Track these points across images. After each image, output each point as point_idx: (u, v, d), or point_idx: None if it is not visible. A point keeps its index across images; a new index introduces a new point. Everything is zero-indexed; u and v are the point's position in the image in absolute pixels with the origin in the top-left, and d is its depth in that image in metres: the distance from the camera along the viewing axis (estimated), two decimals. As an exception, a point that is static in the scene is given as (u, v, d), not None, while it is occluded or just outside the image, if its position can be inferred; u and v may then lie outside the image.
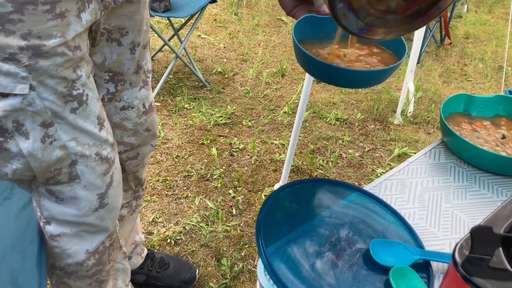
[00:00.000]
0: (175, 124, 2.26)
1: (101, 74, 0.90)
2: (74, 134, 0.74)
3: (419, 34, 2.23)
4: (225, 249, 1.59)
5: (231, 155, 2.08)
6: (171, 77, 2.69)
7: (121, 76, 0.92)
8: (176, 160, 2.01)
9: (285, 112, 2.44)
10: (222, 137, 2.19)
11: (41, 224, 0.84)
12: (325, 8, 0.71)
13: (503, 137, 0.80)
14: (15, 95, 0.65)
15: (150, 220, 1.68)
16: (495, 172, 0.79)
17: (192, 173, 1.94)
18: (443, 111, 0.79)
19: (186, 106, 2.40)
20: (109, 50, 0.87)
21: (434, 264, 0.61)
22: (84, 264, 0.88)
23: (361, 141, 2.27)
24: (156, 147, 2.08)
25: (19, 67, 0.64)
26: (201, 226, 1.67)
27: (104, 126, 0.81)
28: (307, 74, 1.60)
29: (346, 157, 2.14)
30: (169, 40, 2.57)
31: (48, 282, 1.01)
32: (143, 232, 1.61)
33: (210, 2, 2.44)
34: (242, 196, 1.84)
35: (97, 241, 0.88)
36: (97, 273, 0.93)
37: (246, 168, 2.01)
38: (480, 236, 0.44)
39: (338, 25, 0.52)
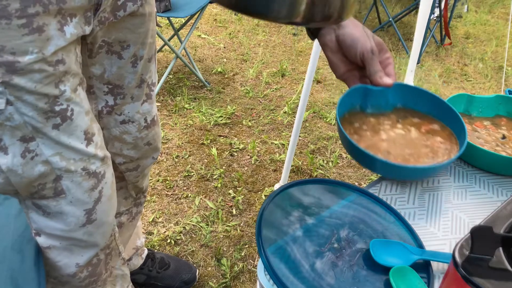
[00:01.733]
0: (175, 124, 2.26)
1: (100, 86, 0.87)
2: (58, 149, 0.71)
3: (419, 34, 2.23)
4: (225, 249, 1.59)
5: (231, 155, 2.08)
6: (171, 77, 2.69)
7: (120, 89, 0.89)
8: (176, 160, 2.01)
9: (285, 112, 2.44)
10: (222, 137, 2.19)
11: (33, 234, 0.82)
12: (380, 78, 0.67)
13: (503, 137, 0.80)
14: None
15: (150, 220, 1.68)
16: (495, 172, 0.79)
17: (192, 173, 1.94)
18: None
19: (186, 106, 2.40)
20: (109, 63, 0.84)
21: (434, 264, 0.61)
22: (76, 276, 0.86)
23: (361, 141, 2.27)
24: (156, 147, 2.08)
25: None
26: (201, 226, 1.67)
27: (93, 141, 0.76)
28: (307, 74, 1.60)
29: (346, 157, 2.13)
30: (169, 40, 2.57)
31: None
32: (143, 232, 1.61)
33: (210, 2, 2.45)
34: (242, 196, 1.84)
35: (88, 256, 0.85)
36: (92, 283, 0.91)
37: (246, 168, 2.01)
38: (480, 236, 0.44)
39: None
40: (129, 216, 1.15)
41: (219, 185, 1.88)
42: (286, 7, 0.41)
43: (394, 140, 0.69)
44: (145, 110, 0.96)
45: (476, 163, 0.80)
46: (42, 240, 0.81)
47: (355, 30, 0.65)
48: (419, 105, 0.74)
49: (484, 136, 0.81)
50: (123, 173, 1.04)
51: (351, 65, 0.69)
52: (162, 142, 2.12)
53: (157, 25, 0.95)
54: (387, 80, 0.67)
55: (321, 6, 0.42)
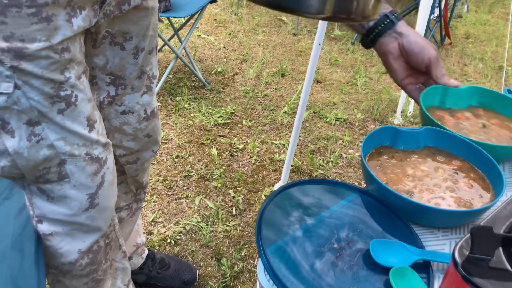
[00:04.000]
0: (175, 124, 2.26)
1: (103, 77, 0.89)
2: (63, 134, 0.73)
3: (419, 34, 2.23)
4: (225, 249, 1.59)
5: (231, 155, 2.08)
6: (171, 77, 2.69)
7: (122, 80, 0.91)
8: (176, 160, 2.01)
9: (285, 112, 2.44)
10: (222, 137, 2.19)
11: (34, 223, 0.83)
12: (449, 80, 0.76)
13: (484, 126, 0.81)
14: (0, 93, 0.65)
15: (150, 220, 1.68)
16: None
17: (192, 173, 1.94)
18: (423, 103, 0.79)
19: (186, 106, 2.40)
20: (111, 53, 0.86)
21: (434, 264, 0.61)
22: (77, 263, 0.87)
23: (361, 141, 2.27)
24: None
25: (3, 66, 0.63)
26: (201, 226, 1.67)
27: (95, 128, 0.79)
28: (307, 74, 1.60)
29: (346, 157, 2.14)
30: (169, 40, 2.57)
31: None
32: (143, 232, 1.61)
33: (210, 2, 2.45)
34: (242, 196, 1.84)
35: (90, 241, 0.87)
36: (92, 272, 0.92)
37: (246, 168, 2.01)
38: (480, 236, 0.44)
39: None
40: (129, 212, 1.16)
41: (219, 185, 1.88)
42: (317, 2, 0.43)
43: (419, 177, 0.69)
44: (145, 101, 0.98)
45: None
46: (44, 227, 0.82)
47: (420, 39, 0.73)
48: (452, 150, 0.74)
49: (467, 126, 0.81)
50: (123, 166, 1.05)
51: (411, 70, 0.76)
52: (162, 142, 2.12)
53: (159, 20, 0.97)
54: (455, 82, 0.76)
55: (352, 2, 0.44)
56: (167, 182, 1.88)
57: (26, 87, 0.66)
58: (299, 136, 2.21)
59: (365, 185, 0.73)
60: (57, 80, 0.69)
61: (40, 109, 0.69)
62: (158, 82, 2.47)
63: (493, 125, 0.82)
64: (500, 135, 0.80)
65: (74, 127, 0.74)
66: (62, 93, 0.70)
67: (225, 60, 2.97)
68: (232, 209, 1.77)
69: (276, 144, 2.18)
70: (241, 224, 1.71)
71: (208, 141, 2.14)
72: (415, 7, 3.58)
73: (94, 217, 0.84)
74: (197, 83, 2.65)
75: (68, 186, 0.78)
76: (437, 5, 3.37)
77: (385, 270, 0.58)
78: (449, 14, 3.52)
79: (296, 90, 2.67)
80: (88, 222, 0.84)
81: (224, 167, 1.99)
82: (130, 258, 1.33)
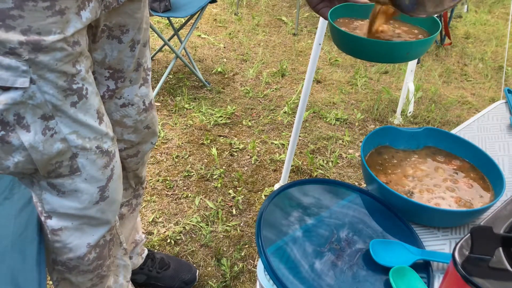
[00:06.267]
0: (175, 124, 2.26)
1: (102, 71, 0.90)
2: (75, 127, 0.75)
3: (419, 34, 2.23)
4: (225, 249, 1.59)
5: (231, 155, 2.08)
6: (171, 77, 2.69)
7: (121, 73, 0.93)
8: (176, 160, 2.01)
9: (285, 112, 2.44)
10: (222, 137, 2.19)
11: (42, 219, 0.84)
12: None
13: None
14: (16, 88, 0.66)
15: (150, 220, 1.68)
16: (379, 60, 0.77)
17: (192, 173, 1.94)
18: (331, 17, 0.78)
19: (186, 106, 2.40)
20: (109, 47, 0.88)
21: (434, 264, 0.61)
22: (85, 258, 0.89)
23: (361, 141, 2.27)
24: (156, 147, 2.08)
25: (20, 61, 0.65)
26: (201, 226, 1.67)
27: (104, 120, 0.81)
28: (307, 74, 1.60)
29: (346, 157, 2.14)
30: (169, 40, 2.57)
31: (49, 280, 1.00)
32: (143, 232, 1.61)
33: (210, 2, 2.44)
34: (242, 196, 1.84)
35: (98, 234, 0.89)
36: (98, 267, 0.94)
37: (246, 168, 2.01)
38: (480, 236, 0.44)
39: (392, 3, 0.56)
40: (129, 208, 1.18)
41: (219, 185, 1.88)
42: None
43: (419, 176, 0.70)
44: (143, 93, 1.00)
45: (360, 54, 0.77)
46: (53, 223, 0.84)
47: None
48: (452, 150, 0.74)
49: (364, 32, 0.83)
50: (124, 161, 1.07)
51: None
52: (162, 142, 2.12)
53: (150, 14, 0.99)
54: None
55: None
56: (167, 182, 1.88)
57: (41, 81, 0.68)
58: (299, 136, 2.21)
59: (365, 185, 0.73)
60: (69, 72, 0.71)
61: (54, 103, 0.71)
62: (158, 82, 2.47)
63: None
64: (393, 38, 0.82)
65: (86, 120, 0.76)
66: (75, 86, 0.72)
67: (225, 60, 2.97)
68: (232, 209, 1.77)
69: (276, 144, 2.18)
70: (241, 224, 1.71)
71: (208, 141, 2.14)
72: (415, 7, 3.57)
73: (104, 210, 0.86)
74: (197, 83, 2.65)
75: (79, 179, 0.80)
76: (437, 5, 3.36)
77: (385, 270, 0.58)
78: (449, 14, 3.52)
79: (296, 90, 2.67)
80: (98, 215, 0.86)
81: (224, 167, 1.99)
82: (130, 258, 1.33)
